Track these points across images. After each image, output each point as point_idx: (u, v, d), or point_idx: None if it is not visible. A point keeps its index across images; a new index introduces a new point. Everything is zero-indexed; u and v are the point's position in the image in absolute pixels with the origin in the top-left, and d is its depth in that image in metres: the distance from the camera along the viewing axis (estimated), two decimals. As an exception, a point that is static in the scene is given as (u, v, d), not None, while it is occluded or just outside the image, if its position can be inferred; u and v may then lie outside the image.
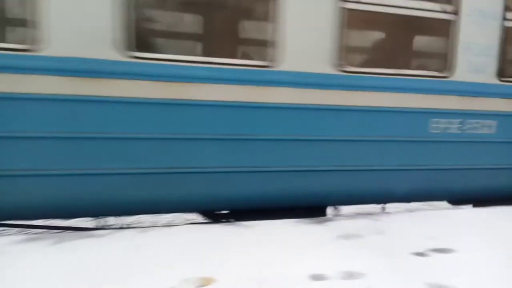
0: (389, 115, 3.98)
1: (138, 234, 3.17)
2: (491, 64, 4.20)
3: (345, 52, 3.79)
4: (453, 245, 3.14)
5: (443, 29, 4.08)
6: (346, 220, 3.68)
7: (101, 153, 3.34)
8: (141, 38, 3.41)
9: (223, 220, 3.99)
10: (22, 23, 3.20)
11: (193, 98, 3.46)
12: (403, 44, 4.82)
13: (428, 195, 4.41)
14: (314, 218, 3.67)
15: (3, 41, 3.22)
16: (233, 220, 3.91)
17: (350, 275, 2.56)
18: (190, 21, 4.60)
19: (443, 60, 4.15)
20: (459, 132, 4.24)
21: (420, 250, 3.03)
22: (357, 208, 4.86)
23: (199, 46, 4.76)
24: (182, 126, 3.47)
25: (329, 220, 3.68)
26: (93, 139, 3.29)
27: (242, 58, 3.68)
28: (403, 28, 4.51)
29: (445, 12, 3.98)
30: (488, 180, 4.47)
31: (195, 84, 3.44)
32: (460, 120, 4.23)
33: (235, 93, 3.51)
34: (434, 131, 4.16)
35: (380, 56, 4.85)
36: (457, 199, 4.67)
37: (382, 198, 4.31)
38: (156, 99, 3.37)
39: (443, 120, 4.17)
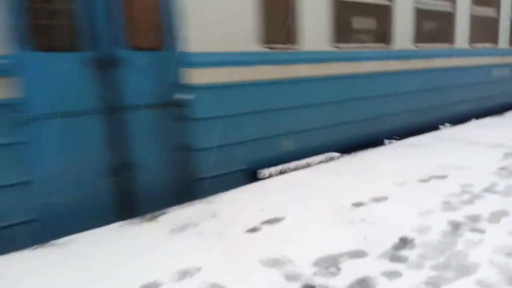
0: (481, 68, 7.88)
1: None
2: (508, 37, 8.43)
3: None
4: (281, 213, 3.25)
5: (495, 22, 8.10)
6: (179, 210, 3.47)
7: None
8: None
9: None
10: None
11: None
12: (485, 30, 8.24)
13: (488, 110, 8.32)
14: (144, 216, 3.35)
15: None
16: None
17: (185, 274, 2.37)
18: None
19: (495, 37, 8.16)
20: (500, 75, 8.48)
21: (253, 226, 3.05)
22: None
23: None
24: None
25: (162, 214, 3.41)
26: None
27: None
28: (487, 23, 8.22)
29: (496, 14, 8.02)
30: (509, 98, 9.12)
31: None
32: (499, 68, 8.39)
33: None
34: (492, 76, 8.25)
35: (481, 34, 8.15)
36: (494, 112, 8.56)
37: (474, 115, 7.88)
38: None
39: (494, 69, 8.26)
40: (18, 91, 2.97)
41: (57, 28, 3.41)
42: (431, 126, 6.85)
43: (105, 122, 3.41)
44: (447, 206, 3.27)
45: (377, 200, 3.48)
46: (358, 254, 2.53)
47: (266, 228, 3.00)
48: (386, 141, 6.13)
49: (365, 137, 5.75)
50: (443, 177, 4.05)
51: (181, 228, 3.06)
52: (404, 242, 2.65)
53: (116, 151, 3.49)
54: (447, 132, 6.61)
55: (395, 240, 2.69)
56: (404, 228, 2.87)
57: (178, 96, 3.73)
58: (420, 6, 6.15)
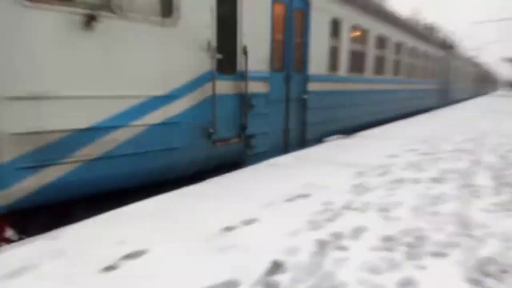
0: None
1: None
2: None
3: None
4: (144, 245, 2.88)
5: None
6: (16, 249, 2.81)
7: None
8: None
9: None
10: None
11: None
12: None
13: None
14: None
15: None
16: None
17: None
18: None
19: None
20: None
21: (110, 263, 2.61)
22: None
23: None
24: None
25: (-10, 255, 2.71)
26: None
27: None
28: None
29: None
30: None
31: None
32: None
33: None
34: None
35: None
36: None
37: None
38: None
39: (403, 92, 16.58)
40: (267, 89, 6.48)
41: (276, 59, 6.80)
42: (380, 121, 12.67)
43: (284, 106, 7.14)
44: (313, 225, 3.34)
45: (247, 222, 3.37)
46: (231, 284, 2.34)
47: (126, 265, 2.60)
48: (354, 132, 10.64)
49: (364, 124, 11.02)
50: (306, 196, 4.19)
51: (17, 273, 2.45)
52: (276, 267, 2.56)
53: (285, 121, 7.21)
54: (306, 152, 7.03)
55: (267, 265, 2.58)
56: (275, 251, 2.79)
57: (304, 96, 7.72)
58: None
